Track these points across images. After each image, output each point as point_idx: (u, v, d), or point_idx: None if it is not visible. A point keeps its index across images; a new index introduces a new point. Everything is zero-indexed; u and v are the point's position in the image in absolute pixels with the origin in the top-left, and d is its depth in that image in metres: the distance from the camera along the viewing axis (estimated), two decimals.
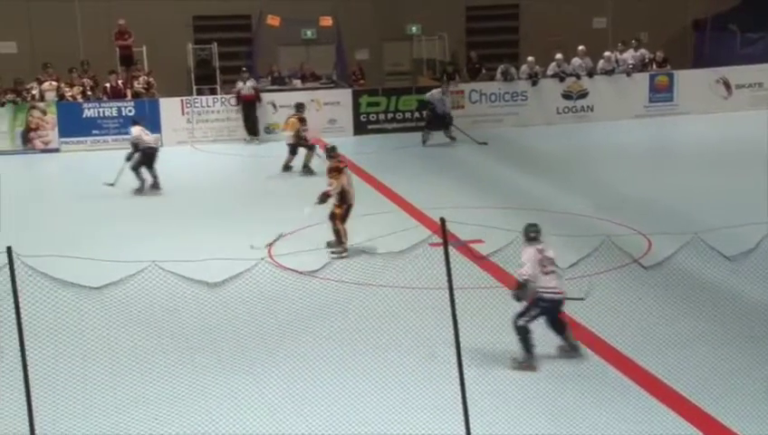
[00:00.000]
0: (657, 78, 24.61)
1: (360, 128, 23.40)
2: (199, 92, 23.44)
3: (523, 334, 8.61)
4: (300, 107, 19.37)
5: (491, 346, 8.91)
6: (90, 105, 22.25)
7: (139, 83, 22.90)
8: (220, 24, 26.36)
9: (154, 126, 22.17)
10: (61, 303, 7.92)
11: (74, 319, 9.13)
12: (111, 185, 17.06)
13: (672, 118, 24.20)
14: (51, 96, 22.16)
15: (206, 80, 23.96)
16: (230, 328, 9.56)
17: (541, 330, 8.76)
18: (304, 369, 8.70)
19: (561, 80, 24.14)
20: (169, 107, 22.53)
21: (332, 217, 12.45)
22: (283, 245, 12.71)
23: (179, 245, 12.92)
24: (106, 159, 20.76)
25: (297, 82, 24.65)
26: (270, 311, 9.71)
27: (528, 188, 16.73)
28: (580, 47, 24.47)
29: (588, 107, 24.29)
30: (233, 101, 22.87)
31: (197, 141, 22.45)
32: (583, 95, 24.30)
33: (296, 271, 10.27)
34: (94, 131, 22.13)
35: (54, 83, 22.34)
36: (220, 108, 22.86)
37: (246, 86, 22.72)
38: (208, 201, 16.60)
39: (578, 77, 24.18)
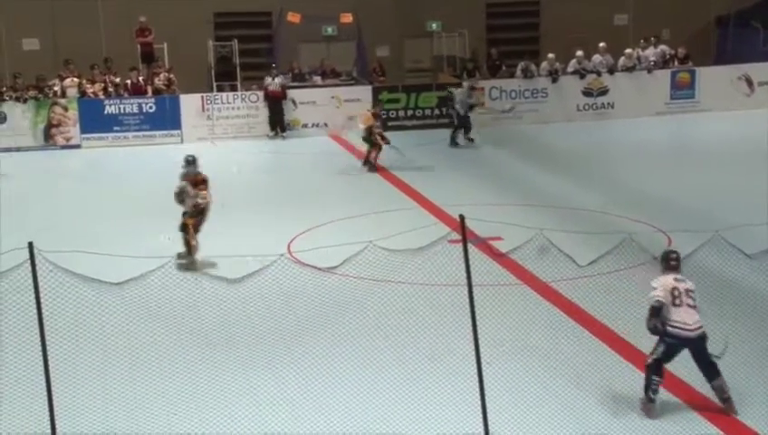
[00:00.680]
0: (679, 75, 24.45)
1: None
2: (219, 89, 23.52)
3: (648, 373, 7.77)
4: (377, 104, 20.49)
5: (510, 343, 8.89)
6: (111, 102, 22.37)
7: (159, 80, 22.99)
8: (241, 20, 26.42)
9: (174, 123, 22.35)
10: (81, 298, 7.98)
11: (95, 314, 9.19)
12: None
13: (693, 115, 24.04)
14: (72, 93, 22.31)
15: (226, 76, 24.03)
16: (249, 324, 9.59)
17: None
18: (323, 365, 8.72)
19: (582, 77, 24.03)
20: (190, 103, 22.62)
21: (185, 228, 12.16)
22: (303, 241, 12.74)
23: (199, 240, 12.96)
24: (126, 155, 20.95)
25: (317, 79, 24.67)
26: (289, 307, 9.74)
27: (547, 185, 16.68)
28: (601, 44, 24.36)
29: (608, 104, 24.18)
30: (253, 97, 22.93)
31: (217, 138, 22.52)
32: (604, 92, 24.18)
33: (315, 267, 10.29)
34: (115, 128, 22.25)
35: (76, 80, 22.49)
36: (240, 104, 22.91)
37: (274, 82, 22.78)
38: (230, 197, 16.63)
39: (598, 74, 24.07)
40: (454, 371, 8.40)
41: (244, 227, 13.98)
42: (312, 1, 25.74)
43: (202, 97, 22.83)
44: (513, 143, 21.09)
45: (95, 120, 22.11)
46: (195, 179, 12.37)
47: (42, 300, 6.36)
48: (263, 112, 22.82)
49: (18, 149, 21.50)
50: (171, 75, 23.21)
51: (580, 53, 24.18)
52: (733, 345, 7.93)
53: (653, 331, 7.68)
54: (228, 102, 22.90)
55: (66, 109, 22.04)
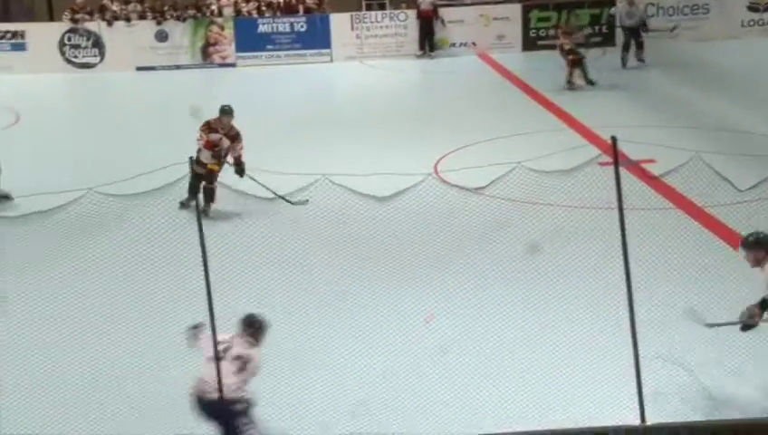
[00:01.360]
0: None
1: (529, 44, 22.85)
2: (368, 8, 23.50)
3: None
4: (567, 21, 20.23)
5: (661, 268, 8.67)
6: (264, 21, 22.77)
7: None
8: None
9: (324, 42, 22.55)
10: (239, 211, 8.29)
11: (248, 230, 9.54)
12: None
13: None
14: (228, 12, 22.83)
15: None
16: (395, 242, 9.72)
17: None
18: (466, 286, 8.77)
19: None
20: (339, 22, 22.74)
21: (210, 175, 11.22)
22: (450, 161, 12.73)
23: (349, 158, 13.16)
24: (279, 74, 21.34)
25: None
26: (435, 227, 9.81)
27: (706, 106, 15.99)
28: None
29: None
30: (401, 16, 22.83)
31: (366, 57, 22.61)
32: None
33: (462, 187, 10.28)
34: (268, 46, 22.66)
35: None
36: (389, 23, 22.87)
37: (426, 1, 22.59)
38: (379, 116, 16.77)
39: None
40: (602, 293, 8.28)
41: (392, 147, 14.08)
42: None
43: (351, 16, 22.90)
44: (670, 62, 20.20)
45: (249, 39, 22.57)
46: (229, 134, 11.56)
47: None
48: (411, 31, 22.70)
49: (178, 67, 22.26)
50: None
51: None
52: None
53: (745, 328, 6.64)
54: (377, 21, 22.88)
55: (222, 28, 22.60)
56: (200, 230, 6.29)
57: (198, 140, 11.46)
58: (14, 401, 7.06)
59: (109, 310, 8.56)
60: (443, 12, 22.84)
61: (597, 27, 21.83)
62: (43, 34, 22.34)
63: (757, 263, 6.81)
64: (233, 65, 22.58)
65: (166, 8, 22.77)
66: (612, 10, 20.83)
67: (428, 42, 22.53)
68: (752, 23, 22.77)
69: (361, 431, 6.77)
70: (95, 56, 22.33)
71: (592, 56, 19.01)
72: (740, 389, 7.09)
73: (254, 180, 10.64)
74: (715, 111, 15.47)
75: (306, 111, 17.42)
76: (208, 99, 19.82)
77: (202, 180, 10.99)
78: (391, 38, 22.83)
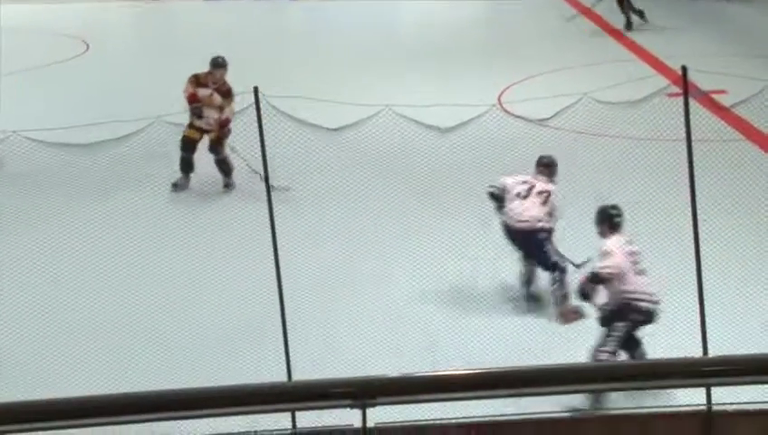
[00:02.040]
0: None
1: None
2: None
3: None
4: None
5: (729, 200, 8.51)
6: None
7: None
8: None
9: None
10: (300, 142, 8.35)
11: (313, 158, 9.62)
12: None
13: None
14: None
15: None
16: (458, 174, 9.70)
17: None
18: None
19: None
20: None
21: (215, 146, 10.24)
22: (515, 92, 12.60)
23: (412, 89, 13.10)
24: (344, 5, 21.17)
25: None
26: (499, 159, 9.75)
27: None
28: None
29: None
30: None
31: None
32: None
33: (526, 119, 10.17)
34: None
35: None
36: None
37: None
38: (443, 48, 16.60)
39: None
40: (666, 227, 8.18)
41: (456, 78, 13.96)
42: None
43: None
44: None
45: None
46: (222, 88, 10.19)
47: (265, 142, 6.68)
48: None
49: None
50: None
51: None
52: None
53: (582, 296, 6.72)
54: None
55: None
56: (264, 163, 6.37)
57: (184, 92, 10.16)
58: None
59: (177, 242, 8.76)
60: None
61: None
62: None
63: None
64: None
65: None
66: None
67: None
68: None
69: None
70: None
71: None
72: None
73: (237, 154, 9.75)
74: None
75: (370, 43, 17.32)
76: (274, 30, 19.99)
77: (195, 149, 10.11)
78: None
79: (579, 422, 6.33)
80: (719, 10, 18.19)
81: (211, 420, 3.03)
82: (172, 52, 17.54)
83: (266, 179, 6.52)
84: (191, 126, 10.11)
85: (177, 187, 10.26)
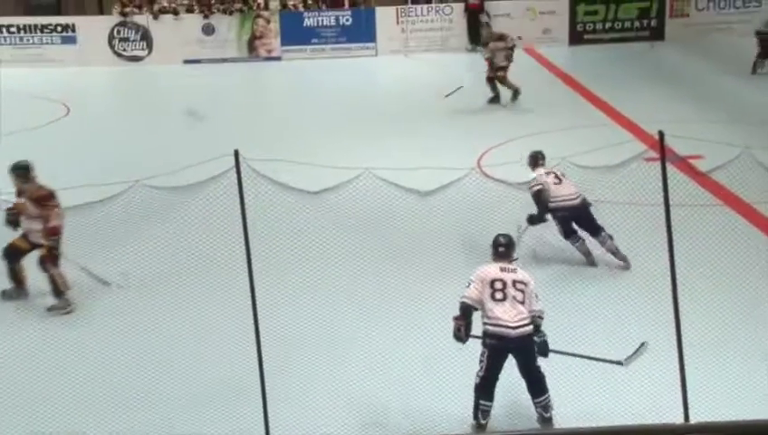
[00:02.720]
0: None
1: (575, 38, 22.71)
2: (414, 1, 23.50)
3: (475, 395, 6.73)
4: None
5: (707, 265, 8.57)
6: (310, 14, 22.88)
7: None
8: None
9: (370, 35, 22.59)
10: (281, 205, 8.35)
11: (293, 221, 9.60)
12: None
13: None
14: (274, 5, 22.99)
15: None
16: (438, 237, 9.72)
17: None
18: None
19: None
20: (385, 16, 22.77)
21: (44, 261, 8.71)
22: (494, 156, 12.69)
23: (392, 152, 13.17)
24: (323, 67, 21.41)
25: None
26: (478, 221, 9.77)
27: (757, 101, 15.72)
28: None
29: None
30: (447, 10, 22.79)
31: (411, 51, 22.60)
32: None
33: (505, 182, 10.23)
34: (313, 40, 22.77)
35: None
36: (434, 17, 22.84)
37: None
38: (423, 110, 16.75)
39: None
40: (647, 288, 8.21)
41: (435, 140, 14.06)
42: None
43: (397, 9, 22.91)
44: (719, 56, 19.92)
45: (295, 33, 22.71)
46: (38, 195, 8.62)
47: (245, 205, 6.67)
48: (456, 25, 22.67)
49: (224, 60, 22.45)
50: None
51: None
52: None
53: (456, 335, 6.67)
54: (423, 15, 22.87)
55: (268, 21, 22.76)
56: (243, 218, 6.36)
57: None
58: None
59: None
60: (489, 5, 22.75)
61: (645, 21, 21.56)
62: (93, 28, 22.69)
63: None
64: (278, 59, 22.72)
65: (213, 2, 23.00)
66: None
67: (477, 35, 22.42)
68: None
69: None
70: (143, 49, 22.60)
71: (641, 50, 18.79)
72: None
73: (85, 269, 8.90)
74: (765, 105, 15.22)
75: (350, 105, 17.46)
76: (254, 91, 20.14)
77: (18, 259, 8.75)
78: (437, 32, 22.80)
79: None
80: (694, 74, 18.52)
81: None
82: (152, 113, 17.62)
83: (247, 245, 6.48)
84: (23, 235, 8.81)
85: (5, 295, 8.94)
